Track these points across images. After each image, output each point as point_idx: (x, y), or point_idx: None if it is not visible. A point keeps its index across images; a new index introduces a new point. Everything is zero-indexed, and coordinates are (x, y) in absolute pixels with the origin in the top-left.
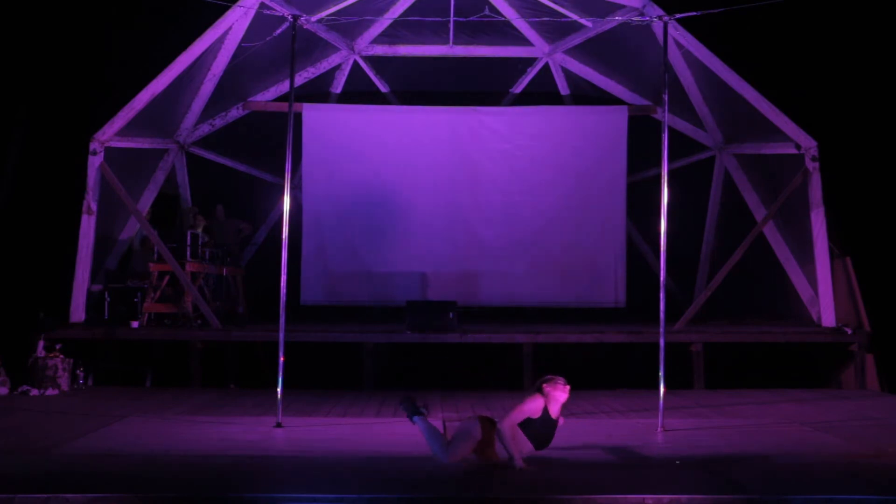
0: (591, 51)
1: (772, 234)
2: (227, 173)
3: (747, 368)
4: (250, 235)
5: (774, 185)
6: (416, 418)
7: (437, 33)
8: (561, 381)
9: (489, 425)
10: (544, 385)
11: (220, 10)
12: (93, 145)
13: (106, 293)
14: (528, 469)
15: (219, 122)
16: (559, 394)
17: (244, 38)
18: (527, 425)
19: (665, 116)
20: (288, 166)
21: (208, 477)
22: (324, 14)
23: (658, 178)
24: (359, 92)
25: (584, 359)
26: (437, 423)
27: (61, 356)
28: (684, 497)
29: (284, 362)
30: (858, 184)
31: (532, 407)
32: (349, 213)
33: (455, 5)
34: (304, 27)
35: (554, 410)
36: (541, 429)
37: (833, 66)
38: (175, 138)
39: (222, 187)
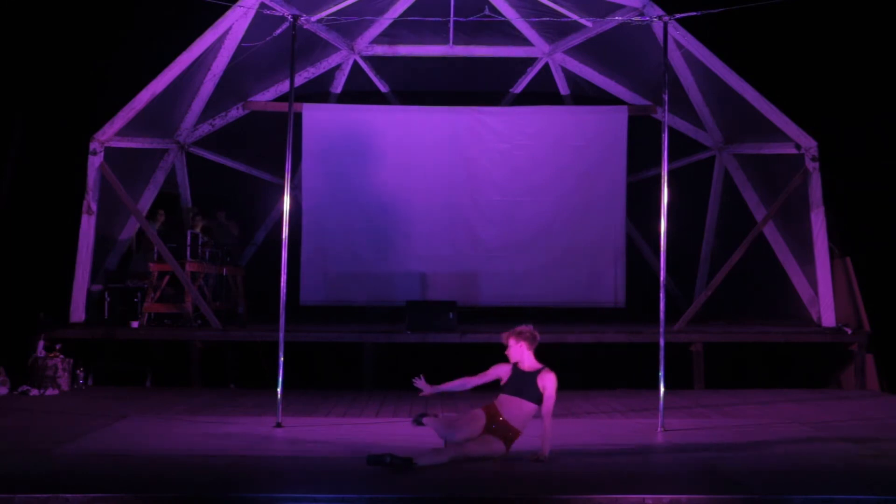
0: (591, 51)
1: (772, 234)
2: (227, 173)
3: (747, 368)
4: (237, 235)
5: (774, 185)
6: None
7: (437, 33)
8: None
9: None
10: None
11: (220, 10)
12: (93, 145)
13: (106, 293)
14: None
15: (219, 122)
16: (510, 351)
17: (244, 38)
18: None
19: (665, 116)
20: (288, 166)
21: (208, 477)
22: (324, 14)
23: (658, 178)
24: (359, 92)
25: (584, 359)
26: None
27: (61, 356)
28: (684, 497)
29: (284, 362)
30: (858, 184)
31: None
32: (349, 213)
33: (455, 5)
34: (304, 27)
35: (523, 364)
36: (516, 382)
37: (833, 66)
38: (175, 138)
39: (222, 187)
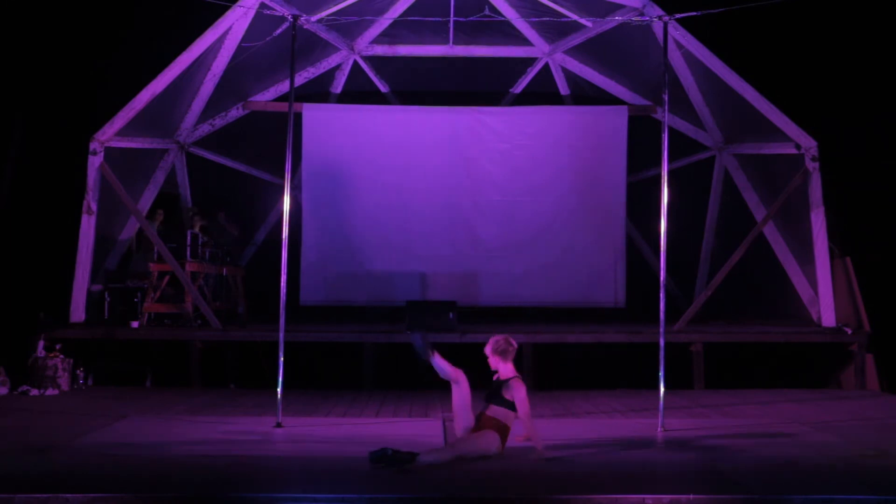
0: (591, 51)
1: (772, 234)
2: (227, 173)
3: (747, 368)
4: (237, 236)
5: (774, 185)
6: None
7: (437, 33)
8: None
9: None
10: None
11: (220, 10)
12: (93, 145)
13: (106, 293)
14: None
15: (219, 122)
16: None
17: (244, 38)
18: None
19: (665, 116)
20: (288, 166)
21: (208, 477)
22: (324, 14)
23: (658, 178)
24: (359, 92)
25: (584, 359)
26: (437, 423)
27: (61, 356)
28: (684, 497)
29: (284, 362)
30: (858, 184)
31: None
32: (349, 213)
33: (455, 5)
34: (304, 27)
35: (500, 374)
36: (493, 391)
37: (833, 66)
38: (175, 138)
39: (222, 187)
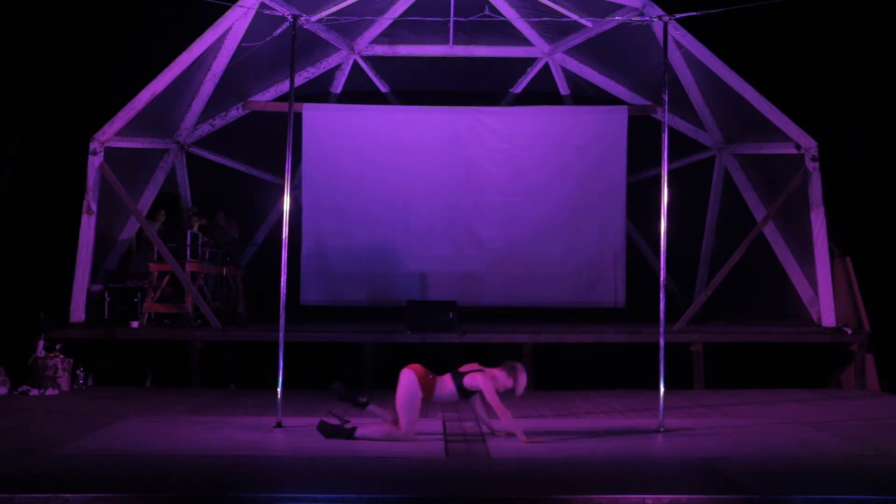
0: (591, 51)
1: (772, 234)
2: (227, 173)
3: (747, 368)
4: (237, 238)
5: (774, 185)
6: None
7: (437, 33)
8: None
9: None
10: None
11: (220, 10)
12: (93, 145)
13: (106, 293)
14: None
15: (219, 122)
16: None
17: (244, 38)
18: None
19: (665, 116)
20: (288, 166)
21: (208, 477)
22: (324, 14)
23: (658, 178)
24: (359, 92)
25: (584, 359)
26: (437, 423)
27: (61, 356)
28: (684, 497)
29: (284, 362)
30: (858, 184)
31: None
32: (349, 212)
33: (455, 5)
34: (304, 27)
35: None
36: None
37: (833, 66)
38: (175, 138)
39: (222, 187)
